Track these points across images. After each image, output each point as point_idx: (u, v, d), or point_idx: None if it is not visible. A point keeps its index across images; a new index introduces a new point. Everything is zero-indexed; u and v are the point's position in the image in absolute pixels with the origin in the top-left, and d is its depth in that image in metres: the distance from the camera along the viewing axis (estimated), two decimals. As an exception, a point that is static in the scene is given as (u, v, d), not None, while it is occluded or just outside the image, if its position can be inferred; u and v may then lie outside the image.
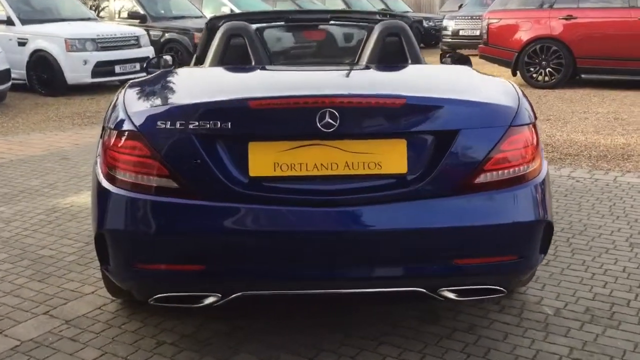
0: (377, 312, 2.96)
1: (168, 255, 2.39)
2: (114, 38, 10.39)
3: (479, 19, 14.40)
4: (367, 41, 3.56)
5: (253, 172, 2.34)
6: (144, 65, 4.06)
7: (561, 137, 6.70)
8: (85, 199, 4.80)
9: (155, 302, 2.47)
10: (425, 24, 17.43)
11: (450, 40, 15.23)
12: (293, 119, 2.34)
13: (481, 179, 2.38)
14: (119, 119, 2.47)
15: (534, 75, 10.00)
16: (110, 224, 2.41)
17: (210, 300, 2.41)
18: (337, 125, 2.28)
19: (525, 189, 2.43)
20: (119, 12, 13.05)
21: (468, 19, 15.33)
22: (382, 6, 18.11)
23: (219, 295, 2.40)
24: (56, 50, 9.85)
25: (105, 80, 10.37)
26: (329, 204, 2.33)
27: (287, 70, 3.32)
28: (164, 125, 2.35)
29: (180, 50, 11.77)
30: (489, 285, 2.46)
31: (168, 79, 2.89)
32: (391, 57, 3.41)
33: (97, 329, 2.87)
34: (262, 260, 2.36)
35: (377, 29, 3.46)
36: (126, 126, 2.42)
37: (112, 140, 2.45)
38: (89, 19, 11.32)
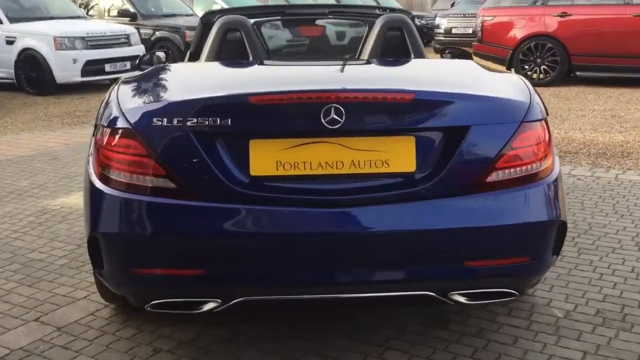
0: (381, 316, 2.86)
1: (165, 259, 2.28)
2: (103, 36, 10.23)
3: (471, 17, 14.36)
4: (369, 35, 3.45)
5: (254, 171, 2.23)
6: (137, 61, 3.93)
7: (559, 134, 6.62)
8: (76, 200, 4.67)
9: (151, 309, 2.35)
10: (417, 22, 17.26)
11: (442, 38, 15.13)
12: (296, 115, 2.23)
13: (492, 177, 2.27)
14: (112, 116, 2.35)
15: (529, 72, 9.93)
16: (104, 226, 2.29)
17: (210, 306, 2.30)
18: (342, 121, 2.17)
19: (538, 188, 2.33)
20: (109, 10, 12.88)
21: (461, 17, 15.24)
22: (373, 4, 18.00)
23: (219, 301, 2.29)
24: (45, 48, 9.68)
25: (95, 79, 10.20)
26: (334, 204, 2.22)
27: (288, 65, 3.21)
28: (160, 123, 2.23)
29: (171, 49, 11.60)
30: (500, 288, 2.36)
31: (163, 74, 2.77)
32: (393, 51, 3.31)
33: (90, 336, 2.74)
34: (264, 263, 2.25)
35: (378, 23, 3.35)
36: (120, 123, 2.30)
37: (106, 139, 2.33)
38: (78, 17, 11.15)
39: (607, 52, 9.42)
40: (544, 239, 2.34)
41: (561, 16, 9.69)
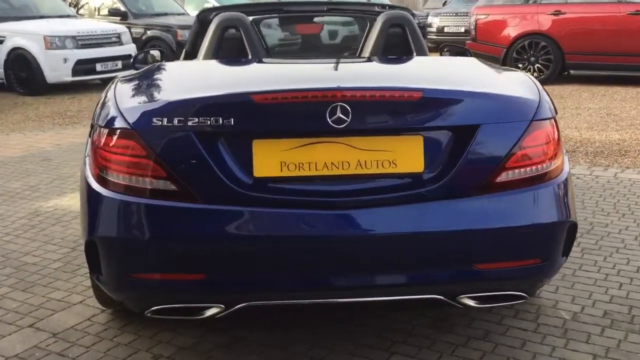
0: (386, 320, 2.79)
1: (166, 263, 2.20)
2: (94, 35, 10.11)
3: (463, 15, 14.34)
4: (370, 32, 3.38)
5: (258, 172, 2.16)
6: (131, 60, 3.84)
7: (556, 133, 6.58)
8: (69, 201, 4.58)
9: (152, 315, 2.27)
10: (409, 20, 17.27)
11: (435, 37, 15.08)
12: (301, 115, 2.16)
13: (502, 177, 2.22)
14: (109, 116, 2.27)
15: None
16: (103, 230, 2.21)
17: (212, 311, 2.23)
18: (348, 120, 2.11)
19: (549, 188, 2.27)
20: (99, 9, 12.76)
21: (453, 15, 15.22)
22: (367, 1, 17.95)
23: (222, 306, 2.22)
24: (35, 48, 9.55)
25: (86, 79, 10.10)
26: (341, 206, 2.15)
27: (289, 63, 3.14)
28: (160, 123, 2.15)
29: (163, 48, 11.50)
30: (510, 290, 2.30)
31: (162, 73, 2.69)
32: (395, 48, 3.24)
33: (87, 343, 2.66)
34: (269, 268, 2.18)
35: (380, 20, 3.29)
36: (118, 123, 2.22)
37: (103, 140, 2.25)
38: (68, 16, 11.02)
39: (600, 51, 9.41)
40: (554, 240, 2.28)
41: (555, 14, 9.67)
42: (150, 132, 2.16)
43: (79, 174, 5.23)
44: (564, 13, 9.62)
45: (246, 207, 2.14)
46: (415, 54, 3.27)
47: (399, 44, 3.25)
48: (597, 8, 9.47)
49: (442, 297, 2.25)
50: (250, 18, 3.45)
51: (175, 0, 13.42)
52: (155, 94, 2.35)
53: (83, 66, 9.82)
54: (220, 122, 2.12)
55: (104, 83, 10.70)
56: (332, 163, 2.16)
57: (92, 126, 2.44)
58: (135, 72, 2.80)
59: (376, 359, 2.53)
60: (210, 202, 2.15)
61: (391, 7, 3.73)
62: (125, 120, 2.20)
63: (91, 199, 2.26)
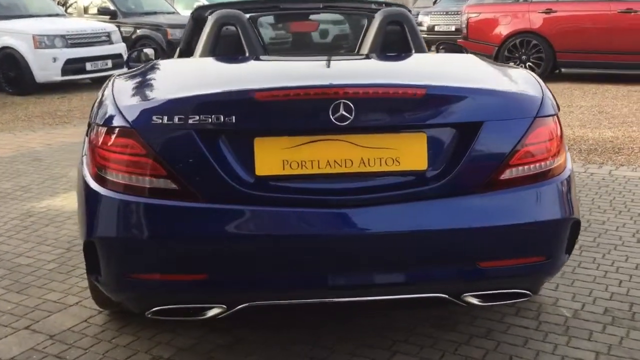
0: (387, 319, 2.77)
1: (166, 263, 2.17)
2: (84, 34, 10.03)
3: (454, 14, 14.36)
4: (368, 29, 3.35)
5: (260, 170, 2.13)
6: (125, 59, 3.80)
7: (549, 131, 6.59)
8: (61, 202, 4.53)
9: (153, 316, 2.24)
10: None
11: (426, 36, 15.05)
12: (304, 112, 2.13)
13: (506, 175, 2.20)
14: (108, 115, 2.23)
15: (514, 69, 9.93)
16: (102, 230, 2.17)
17: (214, 312, 2.20)
18: (351, 118, 2.08)
19: (552, 185, 2.26)
20: (87, 9, 12.65)
21: (443, 14, 15.21)
22: None
23: (224, 306, 2.18)
24: (24, 47, 9.47)
25: (76, 78, 10.03)
26: (344, 204, 2.12)
27: (289, 60, 3.10)
28: (160, 121, 2.12)
29: (155, 47, 11.43)
30: (514, 288, 2.29)
31: (161, 70, 2.65)
32: (394, 45, 3.22)
33: (85, 344, 2.62)
34: (272, 267, 2.15)
35: (378, 17, 3.26)
36: (117, 122, 2.18)
37: (101, 138, 2.21)
38: (57, 15, 10.92)
39: (591, 49, 9.45)
40: (558, 238, 2.27)
41: (546, 13, 9.70)
42: (150, 130, 2.12)
43: (71, 174, 5.25)
44: (555, 11, 9.65)
45: (248, 206, 2.11)
46: (414, 51, 3.25)
47: (397, 41, 3.23)
48: (588, 6, 9.51)
49: (446, 296, 2.23)
50: (247, 15, 3.41)
51: (165, -1, 13.35)
52: (155, 92, 2.31)
53: (73, 65, 9.74)
54: (222, 119, 2.09)
55: (94, 82, 10.64)
56: (334, 161, 2.14)
57: (89, 125, 2.40)
58: (133, 70, 2.76)
59: (378, 358, 2.51)
60: (211, 201, 2.11)
61: (387, 4, 3.71)
62: (125, 118, 2.16)
63: (90, 198, 2.22)
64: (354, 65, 2.84)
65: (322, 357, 2.51)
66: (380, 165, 2.15)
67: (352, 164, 2.14)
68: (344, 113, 2.08)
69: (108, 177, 2.18)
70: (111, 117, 2.21)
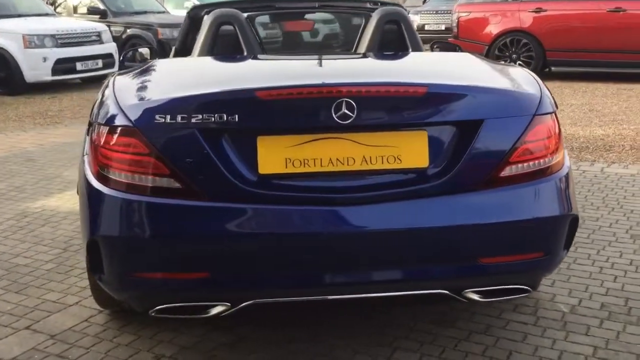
0: (387, 316, 2.79)
1: (170, 262, 2.17)
2: (74, 34, 9.97)
3: (444, 13, 14.42)
4: (366, 29, 3.38)
5: (263, 169, 2.14)
6: (120, 58, 3.80)
7: (541, 129, 6.64)
8: (56, 202, 4.52)
9: (156, 314, 2.24)
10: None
11: (415, 34, 15.17)
12: (306, 111, 2.15)
13: (506, 172, 2.23)
14: (110, 114, 2.24)
15: (505, 68, 9.99)
16: (105, 229, 2.18)
17: (217, 309, 2.20)
18: (353, 116, 2.10)
19: (551, 182, 2.29)
20: (76, 8, 12.60)
21: (433, 13, 15.29)
22: None
23: (228, 304, 2.20)
24: (13, 47, 9.40)
25: (66, 78, 9.96)
26: (346, 202, 2.14)
27: (290, 59, 3.12)
28: (163, 120, 2.13)
29: (147, 47, 11.39)
30: (515, 284, 2.32)
31: (161, 69, 2.65)
32: (391, 44, 3.24)
33: (86, 344, 2.63)
34: (275, 265, 2.16)
35: (375, 16, 3.28)
36: (119, 121, 2.19)
37: (104, 138, 2.21)
38: (46, 15, 10.85)
39: (581, 47, 9.52)
40: (557, 234, 2.30)
41: (536, 12, 9.77)
42: (153, 129, 2.13)
43: (65, 174, 5.24)
44: (545, 10, 9.72)
45: (251, 204, 2.12)
46: (410, 49, 3.27)
47: (394, 40, 3.26)
48: (578, 5, 9.59)
49: (448, 292, 2.26)
50: (245, 15, 3.42)
51: (155, -1, 13.31)
52: (157, 91, 2.31)
53: (63, 65, 9.68)
54: (225, 118, 2.10)
55: (84, 82, 10.59)
56: (337, 159, 2.16)
57: (90, 124, 2.40)
58: (132, 69, 2.76)
59: (379, 354, 2.53)
60: (215, 199, 2.12)
61: (383, 3, 3.73)
62: (127, 118, 2.17)
63: (93, 198, 2.23)
64: (354, 64, 2.86)
65: (324, 353, 2.53)
66: (382, 163, 2.17)
67: (354, 162, 2.16)
68: (346, 111, 2.10)
69: (111, 176, 2.18)
70: (113, 117, 2.21)
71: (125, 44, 11.69)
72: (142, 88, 2.38)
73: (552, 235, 2.30)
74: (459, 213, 2.19)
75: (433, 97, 2.19)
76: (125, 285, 2.25)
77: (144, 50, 3.95)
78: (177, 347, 2.58)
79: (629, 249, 3.52)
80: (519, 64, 9.84)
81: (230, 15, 3.21)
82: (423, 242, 2.18)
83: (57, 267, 3.40)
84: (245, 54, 3.16)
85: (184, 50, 3.89)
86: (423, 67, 2.77)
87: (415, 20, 15.47)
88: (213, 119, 2.10)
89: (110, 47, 10.43)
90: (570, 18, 9.58)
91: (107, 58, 10.27)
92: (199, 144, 2.11)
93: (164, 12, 12.68)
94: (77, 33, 10.04)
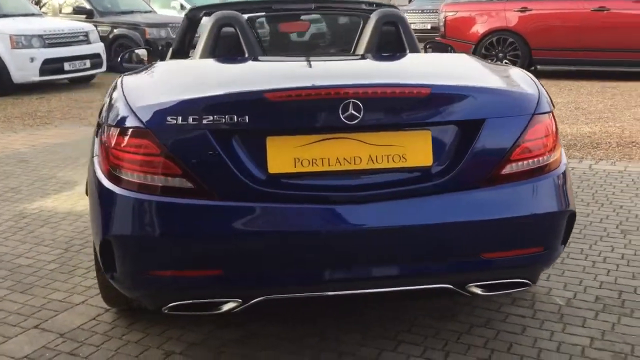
0: (389, 311, 2.86)
1: (183, 260, 2.23)
2: (62, 34, 9.94)
3: (429, 12, 14.54)
4: (364, 30, 3.44)
5: (272, 168, 2.20)
6: (118, 60, 3.83)
7: (529, 127, 6.75)
8: (53, 202, 4.54)
9: (169, 311, 2.29)
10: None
11: (401, 33, 15.28)
12: (314, 111, 2.21)
13: (507, 170, 2.31)
14: (121, 115, 2.28)
15: (491, 67, 10.12)
16: (119, 229, 2.23)
17: (229, 306, 2.26)
18: (360, 117, 2.16)
19: (550, 179, 2.38)
20: (62, 8, 12.54)
21: (419, 12, 15.42)
22: None
23: (239, 300, 2.25)
24: (0, 47, 9.35)
25: (54, 79, 9.93)
26: (353, 200, 2.21)
27: (294, 60, 3.17)
28: (174, 121, 2.18)
29: (132, 47, 11.37)
30: (516, 278, 2.40)
31: (169, 71, 2.70)
32: (389, 46, 3.31)
33: (96, 342, 2.67)
34: (285, 262, 2.22)
35: (373, 18, 3.35)
36: (131, 122, 2.23)
37: (115, 139, 2.26)
38: (33, 15, 10.80)
39: (566, 46, 9.67)
40: (556, 229, 2.39)
41: (522, 11, 9.90)
42: (164, 130, 2.18)
43: (59, 174, 5.27)
44: (531, 10, 9.86)
45: (261, 203, 2.18)
46: (408, 51, 3.34)
47: (392, 42, 3.32)
48: (563, 5, 9.74)
49: (452, 287, 2.33)
50: (246, 16, 3.47)
51: (141, -2, 13.29)
52: (168, 93, 2.35)
53: (51, 65, 9.65)
54: (235, 119, 2.16)
55: (72, 83, 10.56)
56: (344, 158, 2.22)
57: (99, 126, 2.44)
58: (137, 71, 2.80)
59: (385, 347, 2.60)
60: (226, 198, 2.18)
61: (377, 4, 3.80)
62: (139, 119, 2.22)
63: (105, 199, 2.27)
64: (358, 66, 2.92)
65: (331, 348, 2.60)
66: (388, 162, 2.24)
67: (361, 161, 2.23)
68: (353, 112, 2.16)
69: (123, 177, 2.23)
70: (124, 118, 2.26)
71: (113, 43, 11.69)
72: (152, 90, 2.43)
73: (551, 231, 2.38)
74: (462, 210, 2.26)
75: (437, 98, 2.26)
76: (138, 284, 2.30)
77: (141, 52, 3.98)
78: (186, 344, 2.64)
79: (619, 244, 3.63)
80: (506, 62, 9.99)
81: (231, 17, 3.26)
82: (428, 238, 2.25)
83: (60, 267, 3.43)
84: (246, 55, 3.21)
85: (182, 50, 3.94)
86: (426, 69, 2.84)
87: (401, 19, 15.58)
88: (224, 120, 2.16)
89: (98, 47, 10.41)
90: (555, 17, 9.73)
91: (94, 58, 10.26)
92: (210, 144, 2.16)
93: (150, 11, 12.67)
94: (65, 33, 10.01)
